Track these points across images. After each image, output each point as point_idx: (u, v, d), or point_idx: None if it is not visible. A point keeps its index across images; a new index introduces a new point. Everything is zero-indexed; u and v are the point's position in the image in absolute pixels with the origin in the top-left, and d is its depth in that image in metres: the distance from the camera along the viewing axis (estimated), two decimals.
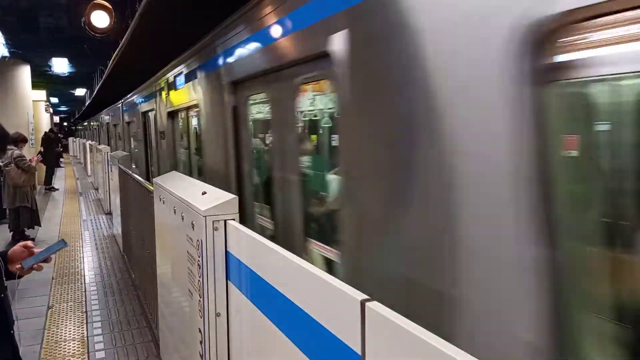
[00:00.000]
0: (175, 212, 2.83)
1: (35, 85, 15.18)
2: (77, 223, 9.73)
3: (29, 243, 2.07)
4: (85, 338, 4.40)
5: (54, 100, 28.36)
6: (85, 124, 30.45)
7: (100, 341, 4.35)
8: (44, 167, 13.99)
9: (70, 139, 35.40)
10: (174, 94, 5.08)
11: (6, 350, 1.97)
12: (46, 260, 2.07)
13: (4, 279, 1.98)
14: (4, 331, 1.97)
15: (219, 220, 2.23)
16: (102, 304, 5.25)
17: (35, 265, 2.03)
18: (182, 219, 2.62)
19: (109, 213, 9.75)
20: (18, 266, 2.00)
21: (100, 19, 6.18)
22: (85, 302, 5.30)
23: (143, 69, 7.28)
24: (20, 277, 2.05)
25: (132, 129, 9.52)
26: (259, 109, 3.26)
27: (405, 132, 1.49)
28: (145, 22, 4.78)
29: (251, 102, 3.15)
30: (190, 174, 5.01)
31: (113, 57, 8.18)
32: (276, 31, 2.45)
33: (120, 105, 11.20)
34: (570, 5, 0.99)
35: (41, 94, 18.23)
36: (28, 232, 8.34)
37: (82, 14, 6.29)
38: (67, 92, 24.20)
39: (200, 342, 2.33)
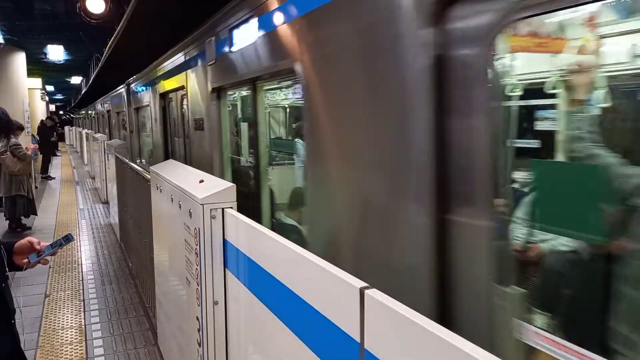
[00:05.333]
0: (172, 200, 2.81)
1: (30, 73, 15.02)
2: (73, 212, 9.71)
3: (42, 243, 2.07)
4: (83, 326, 4.41)
5: (50, 88, 28.12)
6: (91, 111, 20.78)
7: (98, 329, 4.35)
8: (41, 155, 13.92)
9: (67, 128, 35.14)
10: None
11: (6, 339, 1.96)
12: (52, 254, 2.07)
13: (7, 269, 1.97)
14: (5, 321, 1.96)
15: (216, 209, 2.21)
16: (99, 293, 5.25)
17: (42, 260, 2.03)
18: (180, 207, 2.61)
19: (106, 202, 9.72)
20: (25, 260, 2.01)
21: (95, 5, 6.10)
22: (83, 291, 5.30)
23: (140, 56, 7.20)
24: (25, 269, 2.05)
25: None
26: None
27: None
28: (142, 6, 4.71)
29: None
30: None
31: (109, 44, 8.08)
32: None
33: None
34: None
35: (37, 82, 18.06)
36: (24, 220, 8.31)
37: None
38: (62, 80, 23.99)
39: (198, 330, 2.33)
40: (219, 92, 3.74)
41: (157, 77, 5.92)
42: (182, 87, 4.74)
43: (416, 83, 1.46)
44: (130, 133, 9.14)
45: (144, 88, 7.00)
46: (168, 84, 5.41)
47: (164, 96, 5.83)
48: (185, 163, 3.59)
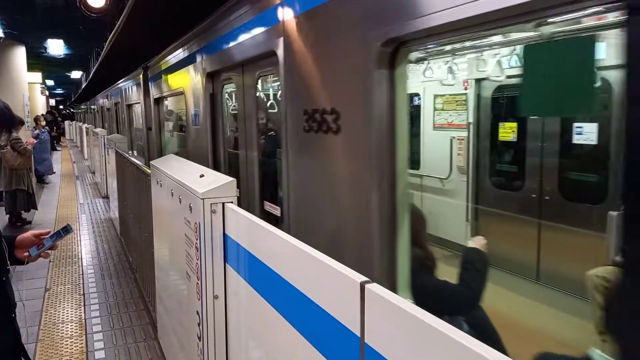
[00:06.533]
0: (172, 195, 2.81)
1: (30, 67, 15.00)
2: (74, 206, 9.71)
3: (43, 232, 2.06)
4: (83, 320, 4.42)
5: (50, 82, 28.06)
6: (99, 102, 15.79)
7: (98, 323, 4.36)
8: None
9: (67, 122, 35.10)
10: None
11: (7, 333, 1.97)
12: (53, 247, 2.06)
13: (8, 263, 1.97)
14: (6, 314, 1.96)
15: (217, 203, 2.21)
16: (99, 287, 5.26)
17: (42, 253, 2.03)
18: (180, 201, 2.61)
19: (106, 196, 9.73)
20: (25, 254, 2.00)
21: None
22: (83, 285, 5.31)
23: (140, 50, 7.18)
24: (27, 263, 2.05)
25: None
26: None
27: None
28: (142, 1, 4.69)
29: None
30: None
31: (110, 38, 8.06)
32: None
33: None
34: None
35: (37, 76, 18.01)
36: (25, 215, 8.32)
37: None
38: (62, 74, 23.94)
39: (198, 324, 2.33)
40: (395, 52, 1.76)
41: (202, 48, 3.86)
42: (268, 54, 2.68)
43: None
44: (148, 130, 6.95)
45: (174, 69, 4.92)
46: (227, 55, 3.37)
47: (213, 77, 3.82)
48: (266, 192, 2.14)
